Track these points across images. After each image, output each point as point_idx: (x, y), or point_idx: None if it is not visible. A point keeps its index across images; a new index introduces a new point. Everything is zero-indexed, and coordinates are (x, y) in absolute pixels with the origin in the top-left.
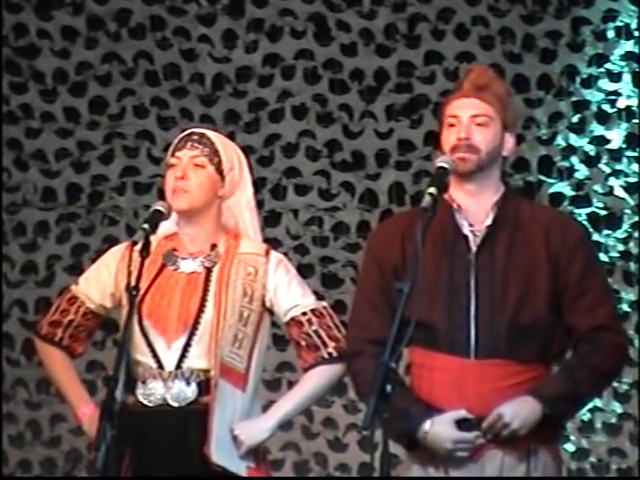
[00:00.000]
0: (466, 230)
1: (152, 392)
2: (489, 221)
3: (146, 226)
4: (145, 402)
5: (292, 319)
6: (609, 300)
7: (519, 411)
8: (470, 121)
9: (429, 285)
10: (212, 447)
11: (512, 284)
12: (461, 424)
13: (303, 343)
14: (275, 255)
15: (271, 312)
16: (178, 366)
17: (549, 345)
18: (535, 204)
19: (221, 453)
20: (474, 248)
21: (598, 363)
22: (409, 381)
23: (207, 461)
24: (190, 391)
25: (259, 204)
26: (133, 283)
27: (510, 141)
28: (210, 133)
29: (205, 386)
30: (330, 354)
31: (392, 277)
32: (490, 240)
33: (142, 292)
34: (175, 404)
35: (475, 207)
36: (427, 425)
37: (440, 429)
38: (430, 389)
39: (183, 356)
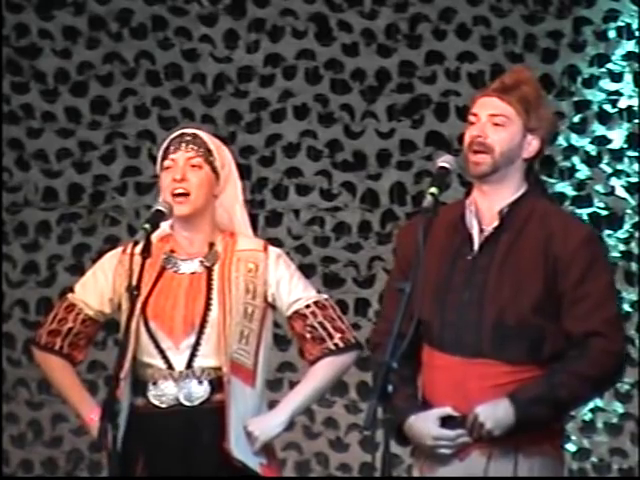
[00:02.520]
0: (474, 231)
1: (164, 393)
2: (496, 223)
3: (147, 226)
4: (157, 403)
5: (295, 312)
6: (608, 306)
7: (493, 412)
8: (487, 120)
9: (431, 284)
10: (232, 443)
11: (503, 286)
12: (447, 422)
13: (308, 336)
14: (274, 250)
15: (273, 307)
16: (189, 365)
17: (540, 347)
18: (552, 207)
19: (239, 448)
20: (476, 249)
21: (582, 369)
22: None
23: (222, 459)
24: (202, 390)
25: (260, 204)
26: (134, 283)
27: (534, 144)
28: (200, 132)
29: (217, 384)
30: (336, 345)
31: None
32: (492, 242)
33: (145, 295)
34: (188, 403)
35: (488, 208)
36: (411, 419)
37: (422, 425)
38: (431, 386)
39: (193, 355)
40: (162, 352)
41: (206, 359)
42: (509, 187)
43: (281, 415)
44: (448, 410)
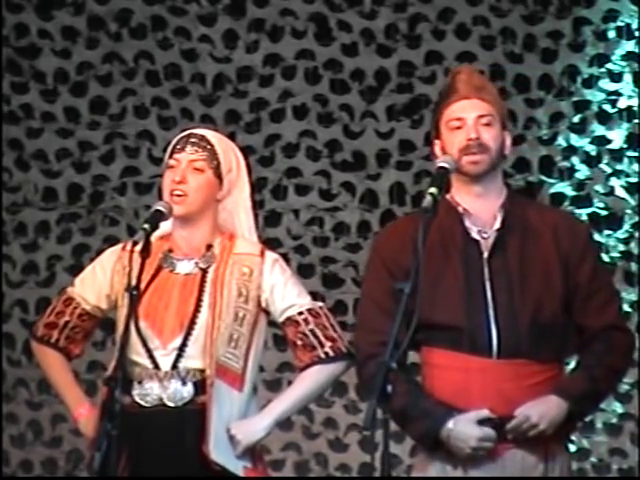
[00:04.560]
0: (475, 234)
1: (148, 392)
2: (498, 224)
3: (147, 226)
4: (141, 402)
5: (288, 319)
6: (616, 299)
7: (546, 411)
8: (476, 122)
9: (445, 288)
10: (210, 445)
11: (529, 286)
12: (483, 424)
13: (299, 343)
14: (270, 255)
15: (267, 312)
16: (174, 366)
17: (565, 344)
18: (540, 205)
19: (219, 451)
20: (486, 252)
21: (613, 362)
22: (422, 382)
23: (204, 461)
24: (186, 391)
25: (260, 204)
26: (134, 283)
27: (509, 139)
28: (210, 134)
29: (201, 386)
30: (327, 354)
31: (404, 280)
32: (501, 244)
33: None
34: (171, 404)
35: (482, 210)
36: (451, 424)
37: (464, 428)
38: (451, 389)
39: (179, 356)
40: (149, 351)
41: (192, 360)
42: (497, 187)
43: (265, 420)
44: (486, 412)
